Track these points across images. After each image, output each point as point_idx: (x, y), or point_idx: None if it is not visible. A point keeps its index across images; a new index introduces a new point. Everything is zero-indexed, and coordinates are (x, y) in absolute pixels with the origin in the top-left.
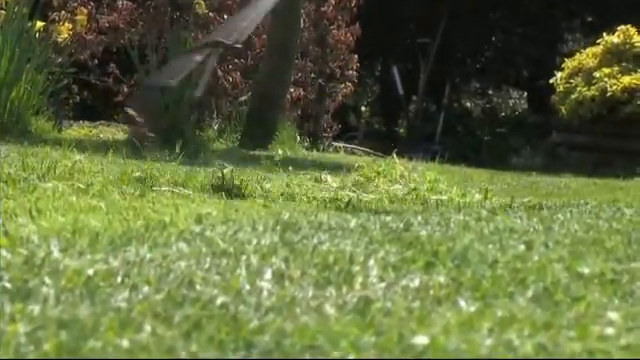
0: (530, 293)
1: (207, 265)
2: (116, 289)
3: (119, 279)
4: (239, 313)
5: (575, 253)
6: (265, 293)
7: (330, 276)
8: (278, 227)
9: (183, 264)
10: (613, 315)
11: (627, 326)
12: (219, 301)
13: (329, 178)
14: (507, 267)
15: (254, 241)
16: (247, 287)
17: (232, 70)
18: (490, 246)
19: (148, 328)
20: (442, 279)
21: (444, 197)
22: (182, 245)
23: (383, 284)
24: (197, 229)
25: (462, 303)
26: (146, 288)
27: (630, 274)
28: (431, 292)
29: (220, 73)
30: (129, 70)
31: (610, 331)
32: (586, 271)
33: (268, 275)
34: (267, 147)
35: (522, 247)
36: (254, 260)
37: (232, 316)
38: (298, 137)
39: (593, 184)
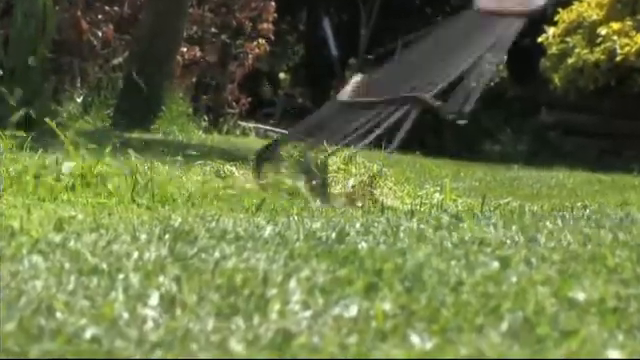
0: (505, 325)
1: (71, 286)
2: None
3: None
4: (115, 349)
5: (566, 273)
6: (150, 324)
7: (237, 302)
8: (167, 236)
9: (39, 284)
10: (615, 354)
11: None
12: (88, 333)
13: (235, 170)
14: (475, 291)
15: (134, 255)
16: (125, 316)
17: (102, 21)
18: (453, 263)
19: None
20: (388, 306)
21: (391, 197)
22: (37, 259)
23: (308, 313)
24: (57, 238)
25: (414, 338)
26: None
27: (639, 301)
28: (373, 324)
29: (86, 26)
30: None
31: None
32: (581, 297)
33: (154, 300)
34: (149, 127)
35: (495, 265)
36: (135, 280)
37: (106, 352)
38: (193, 114)
39: (597, 181)
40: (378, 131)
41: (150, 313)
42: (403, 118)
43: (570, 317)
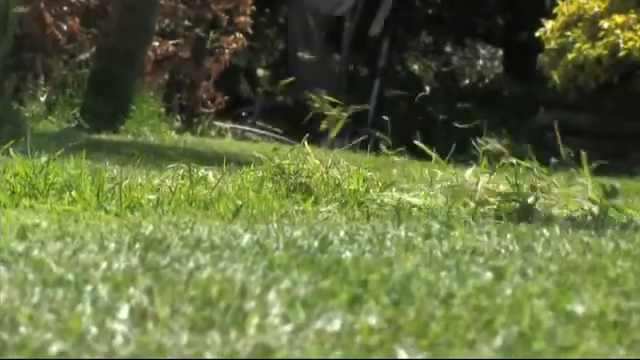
0: (499, 341)
1: (36, 298)
2: None
3: None
4: None
5: (565, 285)
6: (120, 338)
7: (213, 315)
8: (137, 245)
9: (1, 296)
10: None
11: None
12: (54, 349)
13: (210, 175)
14: (467, 304)
15: (103, 265)
16: (94, 330)
17: (67, 14)
18: (443, 274)
19: None
20: (373, 320)
21: (377, 202)
22: None
23: (288, 327)
24: (20, 247)
25: (402, 354)
26: None
27: None
28: (358, 339)
29: (50, 18)
30: None
31: None
32: (579, 310)
33: (124, 313)
34: (118, 128)
35: (489, 275)
36: (103, 292)
37: None
38: (165, 114)
39: (597, 185)
40: None
41: (120, 327)
42: None
43: (568, 332)
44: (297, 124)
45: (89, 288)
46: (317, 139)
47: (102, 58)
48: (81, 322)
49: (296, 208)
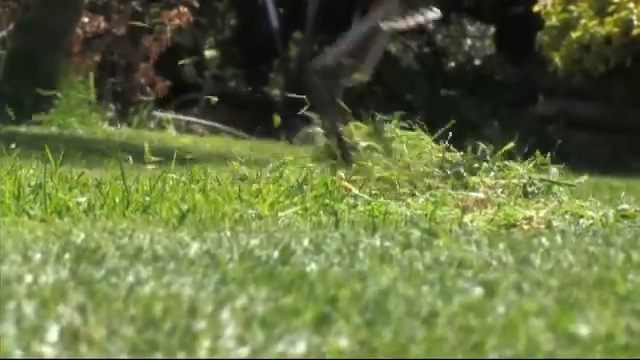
0: None
1: None
2: None
3: None
4: None
5: (567, 302)
6: None
7: (157, 337)
8: (67, 255)
9: None
10: None
11: None
12: None
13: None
14: (452, 324)
15: (28, 278)
16: (18, 353)
17: None
18: (425, 289)
19: None
20: (344, 342)
21: (348, 207)
22: None
23: (245, 350)
24: None
25: None
26: None
27: None
28: None
29: None
30: None
31: None
32: (584, 331)
33: (52, 334)
34: (41, 117)
35: (478, 291)
36: (29, 309)
37: None
38: (96, 102)
39: (607, 187)
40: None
41: (48, 350)
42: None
43: (570, 355)
44: (251, 114)
45: (12, 305)
46: (274, 132)
47: (21, 36)
48: (3, 344)
49: (251, 212)
